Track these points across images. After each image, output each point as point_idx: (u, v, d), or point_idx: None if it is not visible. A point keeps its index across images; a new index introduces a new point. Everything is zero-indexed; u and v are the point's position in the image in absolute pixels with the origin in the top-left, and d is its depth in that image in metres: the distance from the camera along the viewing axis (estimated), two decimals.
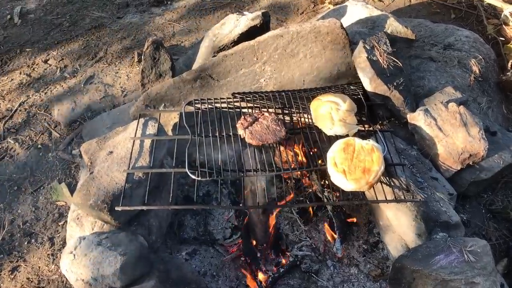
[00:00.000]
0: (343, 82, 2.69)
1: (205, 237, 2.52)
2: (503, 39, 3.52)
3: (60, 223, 2.76)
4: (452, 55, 3.06)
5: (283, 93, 2.61)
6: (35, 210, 2.83)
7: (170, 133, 2.68)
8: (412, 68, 2.97)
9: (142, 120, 2.46)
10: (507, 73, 3.20)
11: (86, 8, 4.36)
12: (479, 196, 2.66)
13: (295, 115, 2.54)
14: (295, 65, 2.62)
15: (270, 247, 2.46)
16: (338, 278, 2.40)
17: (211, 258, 2.46)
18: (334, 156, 2.17)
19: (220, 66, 2.63)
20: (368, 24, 3.04)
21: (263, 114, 2.40)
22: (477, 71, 2.98)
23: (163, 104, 2.68)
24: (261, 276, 2.35)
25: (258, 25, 2.85)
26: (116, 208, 2.06)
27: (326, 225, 2.54)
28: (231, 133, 2.36)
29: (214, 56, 2.81)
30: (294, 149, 2.48)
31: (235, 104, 2.56)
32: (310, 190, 2.54)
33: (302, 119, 2.51)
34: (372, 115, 2.59)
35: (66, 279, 2.39)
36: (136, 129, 2.40)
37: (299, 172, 2.49)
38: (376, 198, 2.18)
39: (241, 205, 2.54)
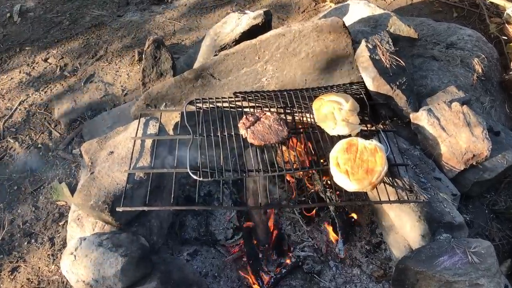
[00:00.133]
0: (345, 81, 2.66)
1: (207, 237, 2.51)
2: (505, 38, 3.50)
3: (60, 223, 2.74)
4: (455, 54, 3.04)
5: (285, 93, 2.59)
6: (35, 210, 2.82)
7: (171, 132, 2.66)
8: (414, 67, 2.95)
9: (143, 120, 2.44)
10: (510, 72, 3.18)
11: (86, 6, 4.34)
12: (482, 196, 2.64)
13: (297, 114, 2.52)
14: (297, 64, 2.60)
15: (272, 247, 2.45)
16: (340, 279, 2.38)
17: (213, 259, 2.44)
18: (337, 156, 2.15)
19: (221, 65, 2.61)
20: (370, 23, 3.02)
21: (265, 113, 2.38)
22: (480, 70, 2.96)
23: (164, 104, 2.66)
24: (263, 277, 2.33)
25: (260, 24, 2.83)
26: (117, 209, 2.04)
27: (326, 225, 2.52)
28: (232, 133, 2.34)
29: (216, 55, 2.79)
30: (297, 149, 2.45)
31: (237, 103, 2.54)
32: (312, 190, 2.53)
33: (304, 119, 2.49)
34: (375, 114, 2.57)
35: (67, 280, 2.37)
36: (137, 129, 2.38)
37: (301, 172, 2.47)
38: (379, 199, 2.16)
39: (242, 205, 2.52)
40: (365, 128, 2.39)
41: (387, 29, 2.88)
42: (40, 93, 3.52)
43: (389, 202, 2.12)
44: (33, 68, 3.74)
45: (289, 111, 2.53)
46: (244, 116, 2.36)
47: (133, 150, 2.26)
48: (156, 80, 2.90)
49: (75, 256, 2.05)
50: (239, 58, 2.60)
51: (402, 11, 4.00)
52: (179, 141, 2.33)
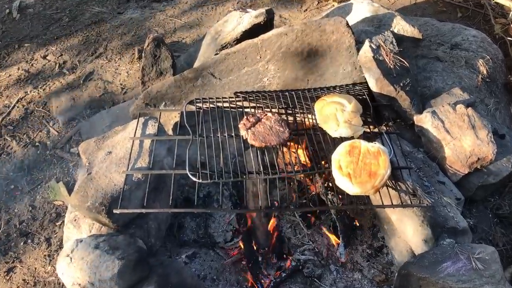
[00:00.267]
0: (348, 82, 2.62)
1: (206, 239, 2.46)
2: (511, 39, 3.45)
3: (57, 223, 2.70)
4: (459, 55, 2.99)
5: (287, 93, 2.54)
6: (32, 210, 2.78)
7: (170, 132, 2.62)
8: (418, 68, 2.91)
9: (142, 119, 2.40)
10: None
11: (86, 3, 4.29)
12: (486, 200, 2.60)
13: (299, 115, 2.47)
14: (299, 64, 2.56)
15: (271, 250, 2.40)
16: (341, 284, 2.34)
17: (211, 262, 2.40)
18: (339, 159, 2.11)
19: (222, 64, 2.57)
20: (374, 22, 2.96)
21: (266, 114, 2.34)
22: (485, 72, 2.91)
23: (163, 103, 2.62)
24: (262, 280, 2.29)
25: (261, 23, 2.78)
26: (114, 211, 2.00)
27: (327, 231, 2.48)
28: (233, 134, 2.30)
29: (217, 54, 2.74)
30: (298, 151, 2.41)
31: (238, 103, 2.50)
32: (314, 193, 2.48)
33: (306, 120, 2.45)
34: (378, 116, 2.53)
35: (63, 281, 2.33)
36: (136, 129, 2.34)
37: (302, 175, 2.43)
38: (382, 202, 2.12)
39: (242, 208, 2.48)
40: (368, 130, 2.35)
41: (391, 29, 2.83)
42: (38, 90, 3.48)
43: (392, 206, 2.08)
44: (32, 65, 3.69)
45: (290, 111, 2.49)
46: (245, 117, 2.32)
47: (131, 151, 2.22)
48: (155, 79, 2.86)
49: (71, 258, 2.01)
50: (240, 58, 2.56)
51: (406, 11, 3.95)
52: (178, 141, 2.29)
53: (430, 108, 2.49)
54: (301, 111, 2.47)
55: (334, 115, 2.30)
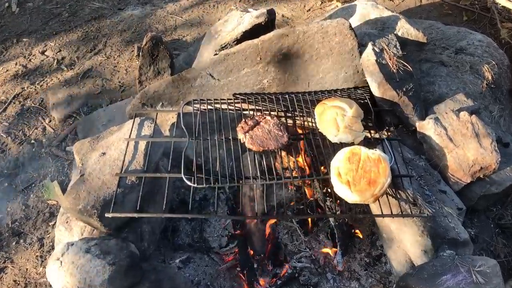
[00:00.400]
0: (349, 85, 2.56)
1: (200, 244, 2.42)
2: None
3: (50, 223, 2.66)
4: (464, 59, 2.93)
5: (287, 96, 2.49)
6: (25, 209, 2.73)
7: (166, 133, 2.57)
8: (422, 73, 2.84)
9: (137, 120, 2.35)
10: None
11: None
12: (488, 210, 2.54)
13: (298, 119, 2.42)
14: (300, 66, 2.50)
15: (267, 257, 2.35)
16: None
17: (206, 267, 2.35)
18: (339, 166, 2.05)
19: (221, 65, 2.51)
20: (378, 25, 2.90)
21: (265, 117, 2.29)
22: (490, 78, 2.85)
23: (160, 103, 2.56)
24: (257, 287, 2.25)
25: (262, 23, 2.72)
26: (106, 215, 1.95)
27: (322, 238, 2.43)
28: (230, 137, 2.24)
29: (216, 54, 2.68)
30: (296, 156, 2.36)
31: (236, 105, 2.45)
32: (312, 199, 2.43)
33: (306, 124, 2.39)
34: (379, 121, 2.47)
35: None
36: (131, 130, 2.28)
37: (300, 181, 2.37)
38: (381, 211, 2.08)
39: (238, 215, 2.43)
40: (369, 136, 2.29)
41: (394, 32, 2.77)
42: (35, 86, 3.43)
43: (392, 216, 2.02)
44: (30, 60, 3.64)
45: (290, 115, 2.43)
46: (243, 120, 2.26)
47: (125, 152, 2.16)
48: (153, 79, 2.80)
49: (61, 262, 1.96)
50: (240, 58, 2.50)
51: (410, 13, 3.89)
52: (174, 143, 2.23)
53: (433, 114, 2.43)
54: (301, 114, 2.41)
55: (334, 120, 2.24)
